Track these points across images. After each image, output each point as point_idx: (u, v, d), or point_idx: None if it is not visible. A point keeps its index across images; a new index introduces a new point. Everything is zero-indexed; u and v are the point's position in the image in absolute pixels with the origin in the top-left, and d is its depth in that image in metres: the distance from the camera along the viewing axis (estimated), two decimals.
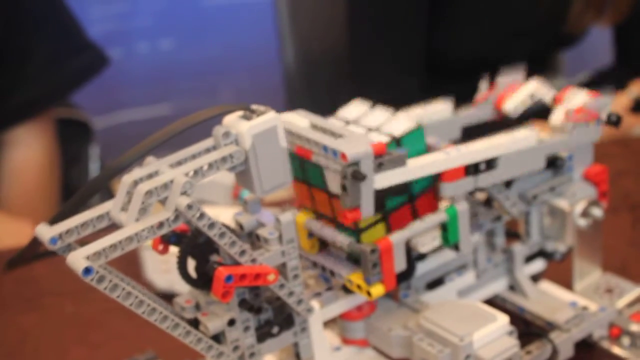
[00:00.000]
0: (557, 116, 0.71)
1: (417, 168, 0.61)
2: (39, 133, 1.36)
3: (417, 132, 0.63)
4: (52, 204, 1.38)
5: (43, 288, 0.99)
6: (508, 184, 0.69)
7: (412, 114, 0.73)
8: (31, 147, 1.35)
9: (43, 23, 1.35)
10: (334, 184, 0.60)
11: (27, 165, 1.35)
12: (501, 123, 0.75)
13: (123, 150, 0.54)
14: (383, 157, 0.59)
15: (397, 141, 0.62)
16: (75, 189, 1.47)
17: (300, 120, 0.63)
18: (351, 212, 0.59)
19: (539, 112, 0.78)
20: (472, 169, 0.64)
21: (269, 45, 1.99)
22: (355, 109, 0.67)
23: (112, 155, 1.71)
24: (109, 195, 0.83)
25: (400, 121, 0.63)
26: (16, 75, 1.32)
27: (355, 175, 0.57)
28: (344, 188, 0.58)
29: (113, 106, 2.43)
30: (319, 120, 0.63)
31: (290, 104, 1.70)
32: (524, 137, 0.67)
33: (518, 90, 0.75)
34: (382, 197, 0.61)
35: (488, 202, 0.71)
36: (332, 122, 0.64)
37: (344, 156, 0.57)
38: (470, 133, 0.75)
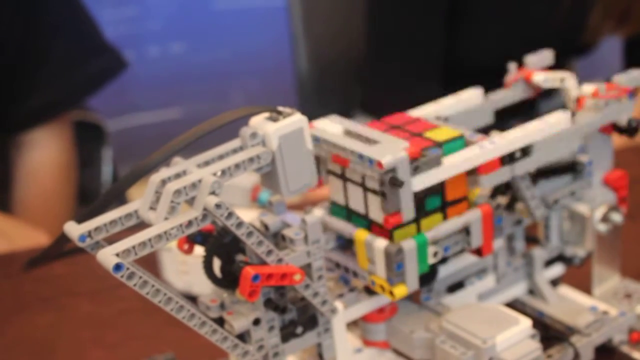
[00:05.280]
0: (587, 90, 0.70)
1: (453, 166, 0.62)
2: (56, 135, 1.37)
3: (459, 140, 0.64)
4: (68, 205, 1.39)
5: (60, 288, 0.99)
6: (535, 180, 0.69)
7: (444, 103, 0.73)
8: (49, 149, 1.36)
9: (61, 26, 1.35)
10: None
11: (45, 166, 1.36)
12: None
13: (135, 153, 0.55)
14: (419, 160, 0.60)
15: (439, 145, 0.63)
16: (88, 191, 1.47)
17: (333, 126, 0.63)
18: (392, 217, 0.60)
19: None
20: (508, 159, 0.65)
21: (279, 49, 1.99)
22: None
23: (124, 157, 1.71)
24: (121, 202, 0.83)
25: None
26: (34, 78, 1.33)
27: (392, 182, 0.58)
28: (383, 194, 0.59)
29: (124, 109, 2.43)
30: (352, 125, 0.63)
31: (302, 108, 1.71)
32: (557, 120, 0.67)
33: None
34: (421, 197, 0.62)
35: (510, 206, 0.71)
36: (366, 128, 0.64)
37: (380, 164, 0.58)
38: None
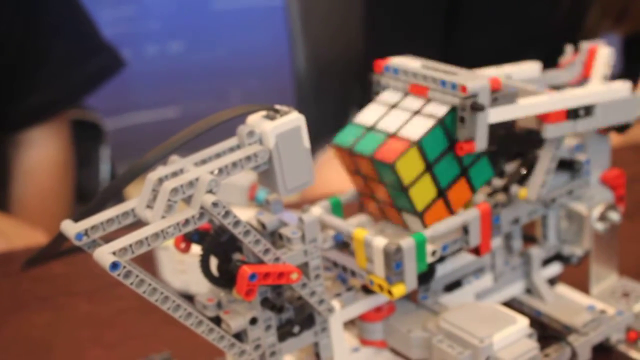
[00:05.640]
0: None
1: (526, 106, 0.64)
2: (54, 134, 1.37)
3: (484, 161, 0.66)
4: (66, 204, 1.39)
5: (57, 287, 0.99)
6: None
7: (502, 70, 0.74)
8: (46, 148, 1.36)
9: (60, 25, 1.36)
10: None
11: (42, 165, 1.36)
12: None
13: (133, 151, 0.55)
14: (498, 92, 0.62)
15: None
16: (86, 190, 1.47)
17: (411, 62, 0.67)
18: (466, 144, 0.62)
19: None
20: (572, 114, 0.66)
21: (278, 48, 1.99)
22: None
23: (122, 156, 1.71)
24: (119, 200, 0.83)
25: None
26: (33, 77, 1.33)
27: (474, 106, 0.60)
28: (461, 119, 0.61)
29: (122, 108, 2.43)
30: (428, 62, 0.66)
31: (300, 107, 1.71)
32: (620, 88, 0.69)
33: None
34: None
35: (506, 188, 0.70)
36: (443, 65, 0.66)
37: (463, 88, 0.60)
38: None
